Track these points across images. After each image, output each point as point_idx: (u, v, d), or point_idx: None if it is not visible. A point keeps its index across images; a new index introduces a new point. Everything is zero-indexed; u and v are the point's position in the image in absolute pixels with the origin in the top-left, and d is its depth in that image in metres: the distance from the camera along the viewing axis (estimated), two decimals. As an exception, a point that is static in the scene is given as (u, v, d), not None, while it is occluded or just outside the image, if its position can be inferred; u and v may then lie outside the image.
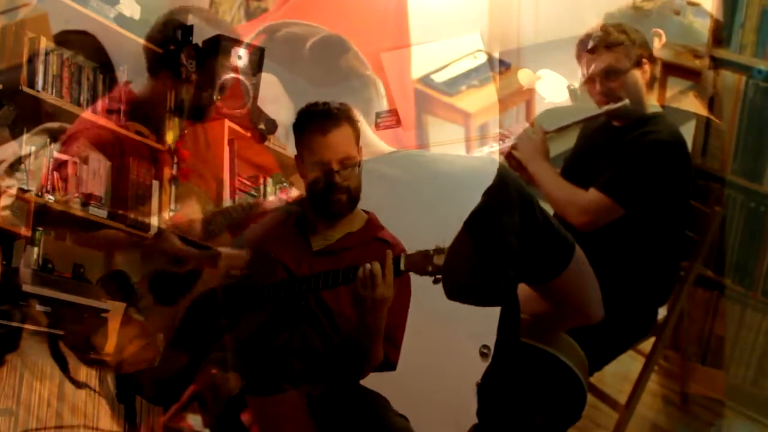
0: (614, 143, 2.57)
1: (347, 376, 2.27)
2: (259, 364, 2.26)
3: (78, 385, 2.74)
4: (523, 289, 2.01)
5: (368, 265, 2.15)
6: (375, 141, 2.35)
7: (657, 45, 2.57)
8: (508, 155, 2.54)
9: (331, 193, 2.33)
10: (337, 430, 2.23)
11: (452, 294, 2.05)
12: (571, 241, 1.99)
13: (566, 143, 2.80)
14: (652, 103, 2.58)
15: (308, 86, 2.27)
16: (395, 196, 2.21)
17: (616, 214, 2.46)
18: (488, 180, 2.01)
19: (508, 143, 2.60)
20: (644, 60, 2.55)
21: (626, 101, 2.54)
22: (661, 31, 2.59)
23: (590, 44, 2.57)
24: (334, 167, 2.31)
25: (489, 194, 1.94)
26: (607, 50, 2.54)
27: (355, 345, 2.22)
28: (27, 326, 2.77)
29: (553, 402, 2.14)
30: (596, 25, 2.60)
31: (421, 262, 2.14)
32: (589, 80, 2.58)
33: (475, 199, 1.98)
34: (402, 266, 2.17)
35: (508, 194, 1.93)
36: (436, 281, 2.12)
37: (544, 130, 2.58)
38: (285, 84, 2.27)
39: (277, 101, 2.28)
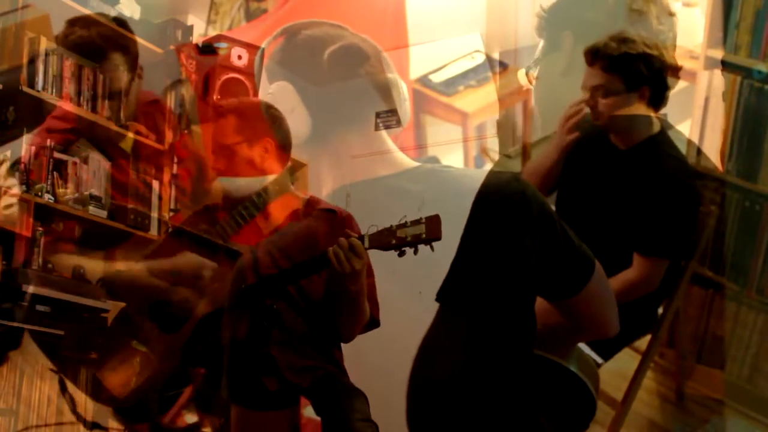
0: (623, 173, 2.56)
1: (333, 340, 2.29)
2: (247, 372, 2.27)
3: (87, 425, 2.74)
4: (538, 301, 1.99)
5: (338, 248, 2.15)
6: (398, 155, 2.30)
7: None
8: None
9: None
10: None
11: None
12: (591, 259, 1.97)
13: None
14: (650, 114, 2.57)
15: (324, 94, 2.23)
16: (417, 213, 2.18)
17: (664, 266, 2.49)
18: (513, 197, 1.97)
19: None
20: (644, 86, 2.52)
21: None
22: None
23: (591, 58, 2.53)
24: None
25: (510, 213, 1.91)
26: (606, 72, 2.51)
27: (339, 309, 2.25)
28: (27, 326, 2.78)
29: (563, 413, 2.14)
30: (606, 37, 2.55)
31: (385, 238, 2.16)
32: (583, 89, 2.57)
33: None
34: (366, 244, 2.19)
35: (530, 213, 1.90)
36: (401, 254, 2.13)
37: None
38: (300, 92, 2.22)
39: (293, 110, 2.23)
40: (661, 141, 2.56)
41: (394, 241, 2.14)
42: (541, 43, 2.87)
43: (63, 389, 2.72)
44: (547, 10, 2.80)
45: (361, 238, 2.19)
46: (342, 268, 2.16)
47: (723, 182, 2.56)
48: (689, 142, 2.63)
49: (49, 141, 3.02)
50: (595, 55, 2.52)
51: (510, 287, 1.90)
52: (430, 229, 2.10)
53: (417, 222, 2.13)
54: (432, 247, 2.09)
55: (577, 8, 2.86)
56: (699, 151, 2.62)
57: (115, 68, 3.13)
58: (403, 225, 2.14)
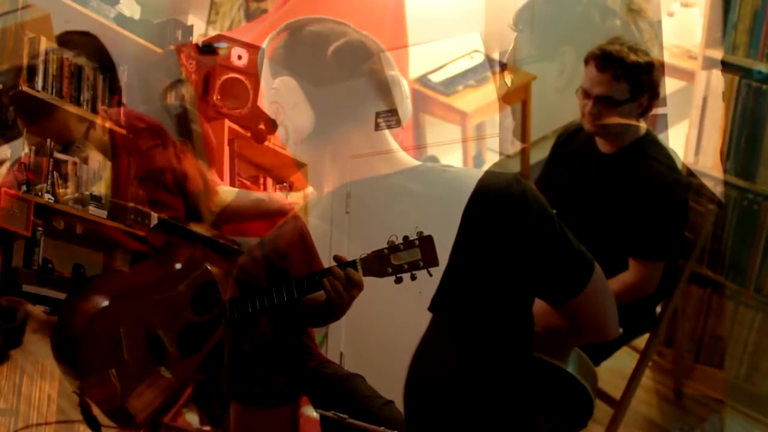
0: (610, 178, 2.57)
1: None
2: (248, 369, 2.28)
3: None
4: (537, 302, 1.99)
5: (334, 279, 2.08)
6: (399, 154, 2.27)
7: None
8: None
9: None
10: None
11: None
12: (591, 260, 1.95)
13: (543, 152, 2.81)
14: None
15: (328, 90, 2.21)
16: (418, 213, 2.14)
17: (660, 267, 2.50)
18: (513, 198, 1.96)
19: None
20: (644, 97, 2.51)
21: None
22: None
23: (603, 65, 2.49)
24: None
25: (512, 214, 1.91)
26: (615, 80, 2.48)
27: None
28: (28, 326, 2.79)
29: (560, 414, 2.14)
30: (615, 42, 2.53)
31: (379, 265, 2.06)
32: (583, 92, 2.55)
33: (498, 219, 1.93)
34: (359, 272, 2.08)
35: (530, 214, 1.90)
36: (398, 281, 2.04)
37: None
38: (304, 88, 2.20)
39: (297, 107, 2.22)
40: (646, 143, 2.56)
41: (390, 270, 2.05)
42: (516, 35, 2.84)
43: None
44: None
45: (352, 264, 2.09)
46: (340, 300, 2.09)
47: (721, 181, 2.57)
48: (687, 142, 2.64)
49: (48, 141, 3.03)
50: (608, 62, 2.49)
51: (510, 289, 1.90)
52: (426, 255, 2.02)
53: (410, 245, 2.04)
54: (429, 273, 2.00)
55: (576, 19, 2.86)
56: (697, 150, 2.64)
57: (61, 123, 3.07)
58: (396, 248, 2.05)
